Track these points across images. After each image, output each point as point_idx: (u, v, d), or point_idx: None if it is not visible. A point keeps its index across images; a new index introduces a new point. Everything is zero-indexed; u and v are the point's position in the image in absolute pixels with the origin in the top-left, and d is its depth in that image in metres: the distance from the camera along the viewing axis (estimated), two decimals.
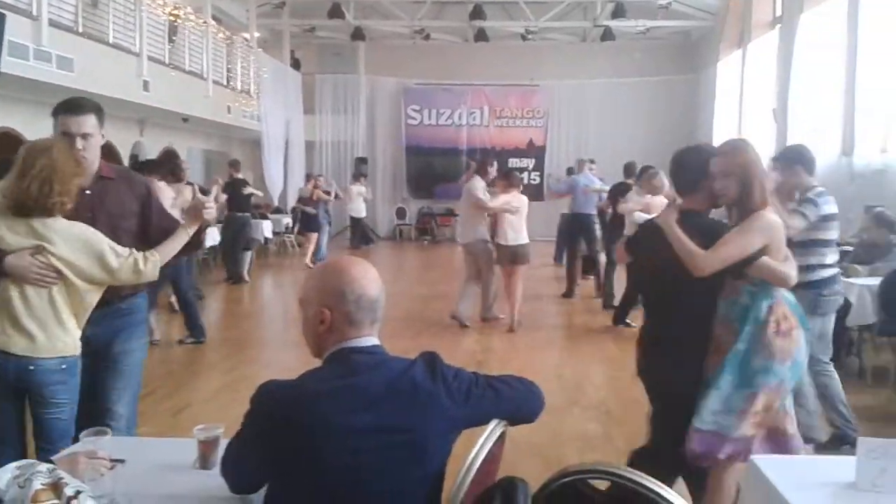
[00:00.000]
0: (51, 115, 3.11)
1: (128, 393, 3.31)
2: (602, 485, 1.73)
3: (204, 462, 2.11)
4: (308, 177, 15.50)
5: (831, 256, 4.54)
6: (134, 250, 2.90)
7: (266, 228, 14.59)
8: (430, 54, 20.39)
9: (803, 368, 3.14)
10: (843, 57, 11.68)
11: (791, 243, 3.24)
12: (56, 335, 2.80)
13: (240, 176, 12.14)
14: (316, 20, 18.71)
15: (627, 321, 8.33)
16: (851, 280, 6.27)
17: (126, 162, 13.84)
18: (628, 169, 10.00)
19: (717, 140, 17.78)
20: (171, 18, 12.58)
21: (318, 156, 20.64)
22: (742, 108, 16.51)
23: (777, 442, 3.00)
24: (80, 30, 9.94)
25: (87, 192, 3.06)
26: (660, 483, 1.61)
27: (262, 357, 7.49)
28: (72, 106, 3.08)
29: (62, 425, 2.86)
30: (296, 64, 19.92)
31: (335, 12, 17.49)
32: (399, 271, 14.77)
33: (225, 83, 15.00)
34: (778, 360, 2.93)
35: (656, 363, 3.21)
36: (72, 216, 2.84)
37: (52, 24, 9.21)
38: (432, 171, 20.75)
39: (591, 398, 5.89)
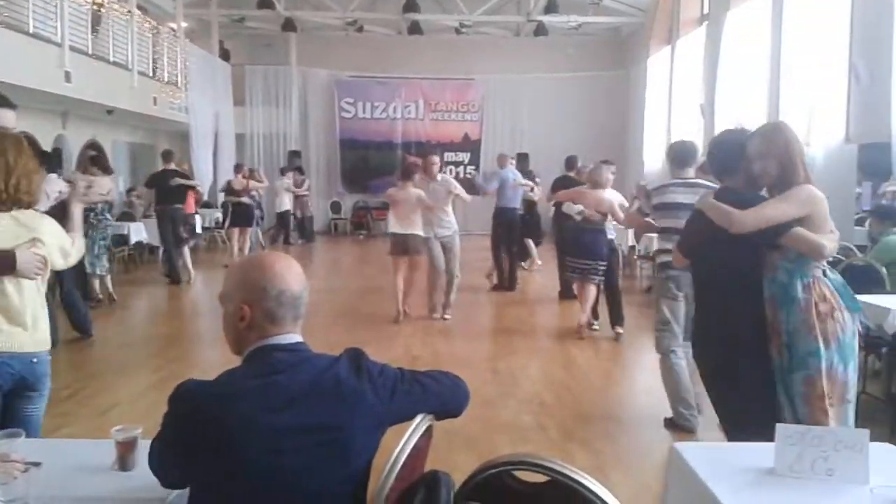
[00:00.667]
0: None
1: None
2: (530, 477, 1.74)
3: (122, 463, 2.05)
4: (238, 167, 14.87)
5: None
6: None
7: (196, 223, 14.14)
8: (364, 46, 20.24)
9: (853, 350, 3.13)
10: (767, 53, 12.03)
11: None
12: (45, 326, 2.84)
13: (171, 167, 11.79)
14: (245, 10, 18.33)
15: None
16: None
17: None
18: (569, 162, 10.58)
19: (648, 136, 18.17)
20: (95, 7, 12.19)
21: (250, 148, 20.30)
22: (671, 104, 16.86)
23: None
24: None
25: None
26: (585, 474, 1.62)
27: (191, 355, 7.33)
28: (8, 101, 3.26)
29: (39, 418, 2.90)
30: (225, 55, 19.53)
31: (265, 2, 17.19)
32: (334, 266, 14.66)
33: (151, 74, 14.61)
34: (822, 343, 2.96)
35: (723, 354, 3.19)
36: None
37: None
38: (367, 164, 20.63)
39: (525, 391, 5.93)
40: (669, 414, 4.98)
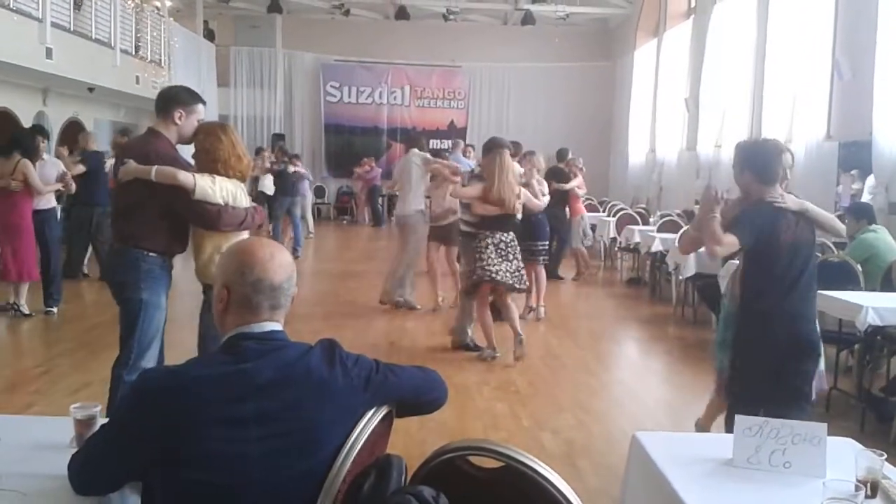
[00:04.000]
0: (178, 100, 3.83)
1: None
2: (487, 462, 1.74)
3: (80, 441, 2.03)
4: (260, 150, 14.35)
5: None
6: None
7: None
8: (350, 31, 20.14)
9: None
10: (752, 48, 12.07)
11: None
12: None
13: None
14: None
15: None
16: None
17: None
18: (560, 154, 10.98)
19: (633, 128, 18.20)
20: None
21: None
22: (657, 96, 16.89)
23: None
24: None
25: None
26: (537, 460, 1.62)
27: (166, 336, 7.27)
28: (201, 98, 3.98)
29: None
30: (210, 35, 19.38)
31: None
32: (318, 251, 14.61)
33: (134, 53, 14.47)
34: None
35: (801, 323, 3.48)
36: None
37: None
38: (352, 149, 20.53)
39: (499, 378, 5.94)
40: (639, 407, 5.02)
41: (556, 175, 10.16)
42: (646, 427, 4.71)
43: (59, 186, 7.77)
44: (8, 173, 7.05)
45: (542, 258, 8.10)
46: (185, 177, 3.59)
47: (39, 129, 8.38)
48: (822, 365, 3.92)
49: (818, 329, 3.55)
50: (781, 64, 11.29)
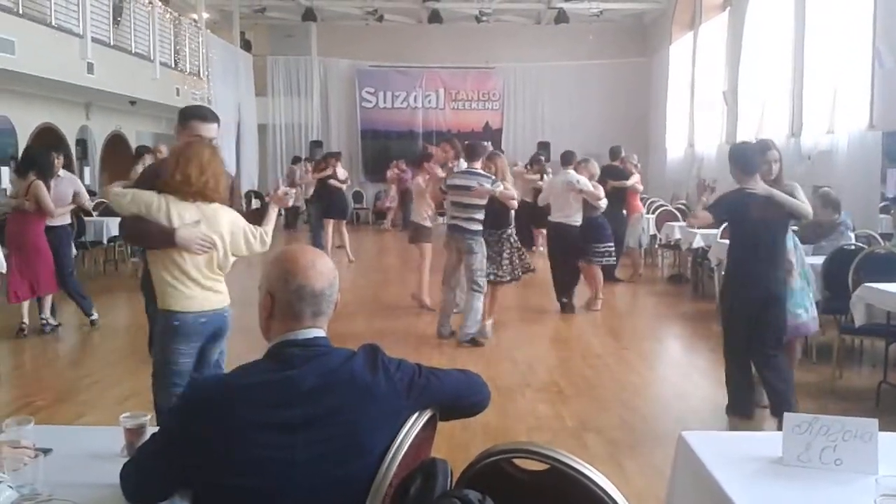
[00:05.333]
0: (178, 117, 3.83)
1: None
2: (531, 465, 1.74)
3: (131, 450, 2.07)
4: (297, 159, 14.69)
5: None
6: (257, 227, 3.68)
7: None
8: (384, 36, 20.23)
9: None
10: (790, 39, 11.88)
11: None
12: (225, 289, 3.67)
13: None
14: (266, 0, 18.43)
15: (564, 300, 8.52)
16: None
17: (73, 147, 13.58)
18: (613, 152, 10.99)
19: (671, 123, 18.01)
20: None
21: (272, 139, 20.40)
22: (694, 91, 16.70)
23: None
24: (21, 11, 9.66)
25: None
26: (583, 462, 1.62)
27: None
28: (205, 114, 3.86)
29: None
30: (246, 45, 19.63)
31: None
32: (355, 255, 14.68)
33: (173, 65, 14.72)
34: None
35: (768, 282, 4.55)
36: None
37: None
38: (388, 154, 20.56)
39: (542, 379, 5.93)
40: (685, 405, 4.97)
41: (613, 173, 10.11)
42: (692, 426, 4.64)
43: (73, 207, 7.73)
44: (23, 193, 7.06)
45: (605, 260, 8.52)
46: (108, 191, 3.76)
47: (55, 148, 8.32)
48: (813, 311, 5.01)
49: (788, 285, 4.66)
50: (821, 53, 11.09)
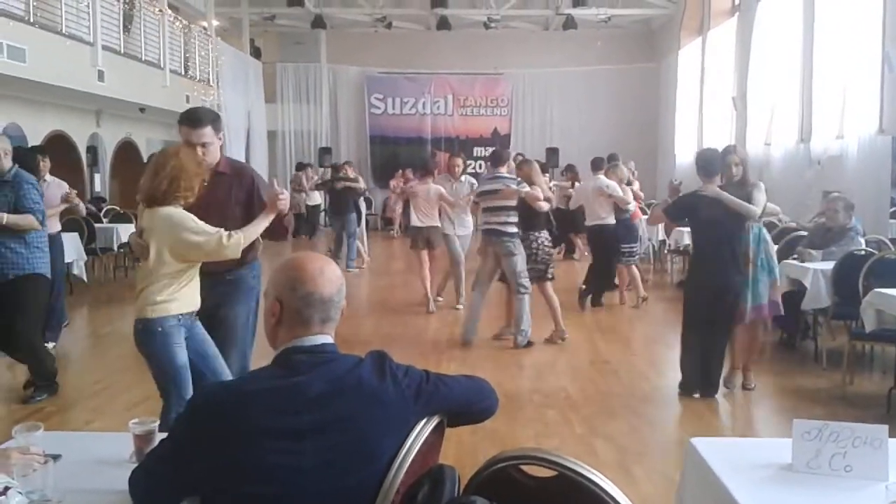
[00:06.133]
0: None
1: (236, 349, 3.97)
2: (539, 471, 1.74)
3: (139, 456, 2.07)
4: (301, 166, 14.87)
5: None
6: (221, 230, 3.36)
7: None
8: (393, 43, 20.30)
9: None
10: (799, 44, 11.86)
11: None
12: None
13: None
14: (276, 8, 18.51)
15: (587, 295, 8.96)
16: (806, 264, 6.37)
17: (83, 154, 13.65)
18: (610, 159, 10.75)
19: (680, 129, 17.99)
20: (126, 7, 12.36)
21: (281, 146, 20.46)
22: (703, 96, 16.69)
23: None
24: (32, 19, 9.74)
25: (205, 183, 3.50)
26: (591, 469, 1.61)
27: None
28: (192, 119, 3.76)
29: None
30: (256, 52, 19.72)
31: (295, 0, 17.32)
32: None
33: (183, 72, 14.80)
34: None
35: (720, 275, 5.21)
36: (191, 205, 3.40)
37: (3, 13, 9.05)
38: (397, 160, 20.59)
39: (551, 385, 5.91)
40: (693, 412, 4.95)
41: None
42: (700, 432, 4.64)
43: (63, 208, 7.10)
44: None
45: (632, 259, 9.00)
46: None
47: (40, 149, 7.72)
48: (771, 296, 5.45)
49: (742, 274, 5.26)
50: (830, 58, 11.06)
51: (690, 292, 5.49)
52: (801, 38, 11.76)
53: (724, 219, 5.14)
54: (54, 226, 7.04)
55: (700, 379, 5.41)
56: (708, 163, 5.27)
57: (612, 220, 8.73)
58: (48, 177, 7.07)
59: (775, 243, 7.76)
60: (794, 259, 6.65)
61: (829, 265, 6.09)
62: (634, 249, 9.07)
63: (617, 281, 9.23)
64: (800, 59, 11.83)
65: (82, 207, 7.68)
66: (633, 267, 9.07)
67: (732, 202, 5.09)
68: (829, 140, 10.98)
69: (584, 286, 8.98)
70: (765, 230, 5.53)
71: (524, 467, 1.73)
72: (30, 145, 11.02)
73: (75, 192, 7.34)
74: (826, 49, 11.19)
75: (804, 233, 7.49)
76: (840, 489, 2.02)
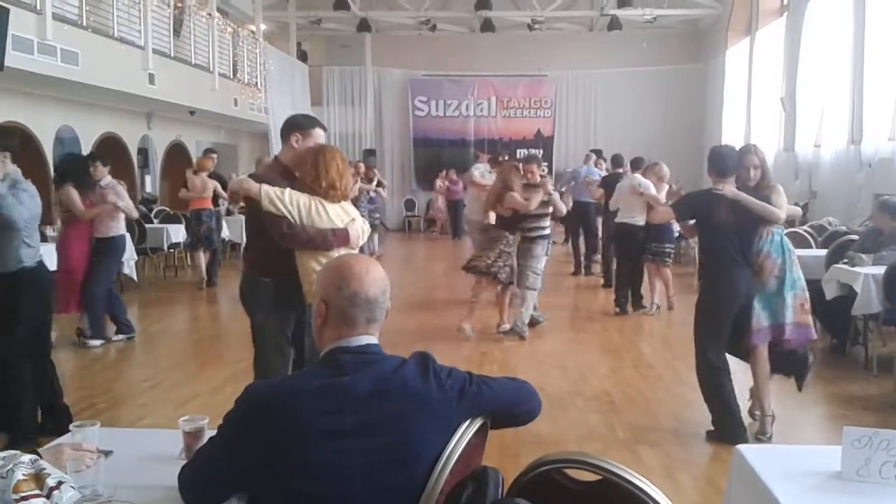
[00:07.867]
0: (295, 125, 3.92)
1: None
2: (582, 475, 1.73)
3: (189, 453, 2.11)
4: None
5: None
6: None
7: None
8: (437, 45, 20.36)
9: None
10: (850, 44, 11.60)
11: None
12: None
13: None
14: (322, 12, 18.70)
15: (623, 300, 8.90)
16: (857, 269, 6.23)
17: (134, 156, 13.92)
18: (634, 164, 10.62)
19: (727, 130, 17.73)
20: (176, 11, 12.58)
21: None
22: (751, 97, 16.43)
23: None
24: (85, 23, 9.97)
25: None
26: (635, 473, 1.61)
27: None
28: (322, 124, 4.07)
29: None
30: (302, 56, 19.93)
31: (341, 3, 17.50)
32: (408, 262, 14.77)
33: (231, 76, 15.01)
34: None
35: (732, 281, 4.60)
36: None
37: (56, 18, 9.26)
38: (440, 162, 20.65)
39: (594, 389, 5.87)
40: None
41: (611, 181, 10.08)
42: (748, 440, 4.58)
43: (107, 207, 6.98)
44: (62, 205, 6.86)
45: (668, 259, 8.89)
46: (250, 184, 3.68)
47: (96, 156, 7.74)
48: (799, 319, 4.65)
49: (759, 285, 4.64)
50: (881, 58, 10.81)
51: (712, 295, 4.75)
52: (852, 38, 11.51)
53: (742, 222, 4.56)
54: (112, 229, 7.12)
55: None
56: (722, 160, 4.63)
57: (641, 221, 8.56)
58: (106, 180, 7.11)
59: (824, 247, 7.65)
60: (845, 263, 6.51)
61: (881, 270, 5.96)
62: (668, 249, 8.85)
63: (651, 283, 9.04)
64: (850, 58, 11.58)
65: (132, 209, 7.66)
66: (667, 269, 8.87)
67: (755, 205, 4.50)
68: (880, 142, 10.73)
69: (608, 285, 9.19)
70: (787, 238, 4.87)
71: (567, 471, 1.73)
72: (83, 149, 11.39)
73: (121, 186, 7.35)
74: (877, 48, 10.93)
75: (855, 237, 7.33)
76: (890, 498, 1.98)
